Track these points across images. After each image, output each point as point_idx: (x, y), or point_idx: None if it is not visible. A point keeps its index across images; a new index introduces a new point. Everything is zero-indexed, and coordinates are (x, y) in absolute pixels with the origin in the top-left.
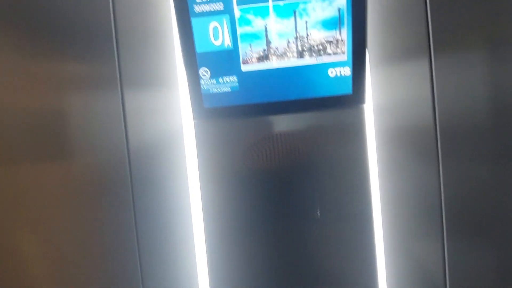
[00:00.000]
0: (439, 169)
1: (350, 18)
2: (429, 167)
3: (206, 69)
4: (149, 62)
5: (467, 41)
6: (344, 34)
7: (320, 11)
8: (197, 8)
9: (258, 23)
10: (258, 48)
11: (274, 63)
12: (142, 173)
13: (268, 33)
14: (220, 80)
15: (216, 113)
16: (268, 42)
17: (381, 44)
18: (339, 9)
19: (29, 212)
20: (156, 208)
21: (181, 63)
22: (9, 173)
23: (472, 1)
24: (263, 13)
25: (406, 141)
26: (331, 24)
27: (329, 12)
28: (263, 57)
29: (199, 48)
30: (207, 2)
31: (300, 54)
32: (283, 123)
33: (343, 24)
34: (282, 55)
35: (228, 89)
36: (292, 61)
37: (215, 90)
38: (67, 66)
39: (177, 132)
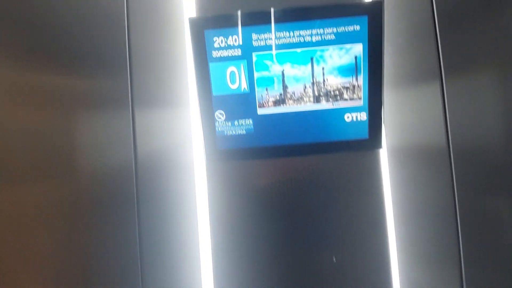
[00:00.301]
0: (453, 190)
1: (367, 66)
2: (443, 187)
3: (221, 111)
4: (161, 82)
5: (477, 65)
6: (361, 81)
7: (337, 58)
8: (215, 54)
9: (275, 68)
10: (275, 92)
11: (290, 107)
12: (148, 194)
13: (285, 78)
14: (236, 122)
15: (230, 154)
16: (285, 87)
17: (394, 67)
18: (355, 57)
19: (36, 225)
20: (162, 242)
21: (197, 104)
22: (19, 189)
23: (481, 26)
24: (281, 59)
25: (419, 161)
26: (348, 70)
27: (346, 59)
28: (280, 101)
29: (216, 91)
30: (225, 48)
31: (317, 99)
32: (297, 166)
33: (360, 71)
34: (299, 100)
35: (243, 132)
36: (308, 106)
37: (230, 133)
38: (80, 83)
39: (187, 153)
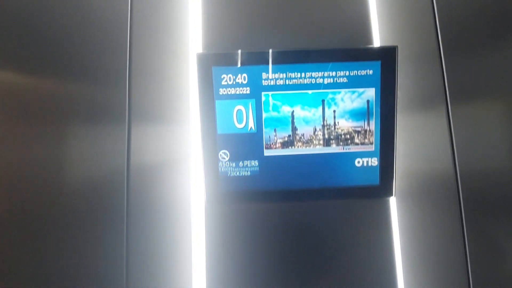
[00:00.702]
0: (461, 216)
1: (379, 110)
2: (451, 214)
3: (226, 151)
4: (161, 98)
5: (482, 90)
6: (373, 125)
7: (349, 102)
8: (223, 91)
9: (284, 109)
10: (283, 133)
11: (298, 150)
12: (139, 209)
13: (295, 120)
14: (240, 163)
15: (232, 197)
16: (294, 129)
17: (400, 93)
18: (368, 101)
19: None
20: (151, 265)
21: (199, 143)
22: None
23: (486, 54)
24: (291, 100)
25: (425, 188)
26: (360, 114)
27: (358, 103)
28: (288, 143)
29: (221, 129)
30: (233, 86)
31: (327, 142)
32: (303, 211)
33: (372, 115)
34: (308, 142)
35: (247, 173)
36: (317, 149)
37: (233, 174)
38: (78, 93)
39: (183, 170)
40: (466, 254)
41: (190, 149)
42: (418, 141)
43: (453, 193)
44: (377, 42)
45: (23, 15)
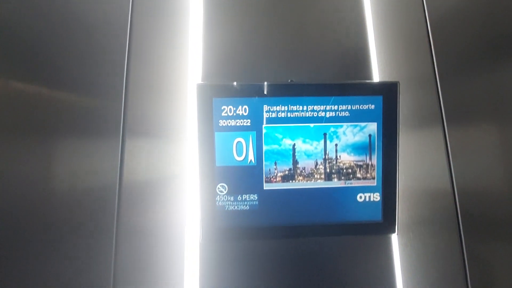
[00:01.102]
0: (460, 236)
1: (381, 145)
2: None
3: (224, 184)
4: (157, 114)
5: (477, 109)
6: (375, 160)
7: (351, 136)
8: (222, 123)
9: (286, 142)
10: (284, 167)
11: (299, 184)
12: (129, 227)
13: (296, 153)
14: (239, 197)
15: (229, 234)
16: (295, 162)
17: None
18: (370, 135)
19: None
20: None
21: (197, 175)
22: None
23: (477, 77)
24: (292, 133)
25: (424, 206)
26: (362, 149)
27: (360, 137)
28: (289, 177)
29: (219, 162)
30: (233, 118)
31: (328, 177)
32: (303, 247)
33: (374, 150)
34: (309, 176)
35: (246, 208)
36: (319, 183)
37: (231, 208)
38: (72, 105)
39: (177, 187)
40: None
41: (186, 168)
42: (415, 165)
43: (453, 221)
44: (375, 66)
45: (17, 25)
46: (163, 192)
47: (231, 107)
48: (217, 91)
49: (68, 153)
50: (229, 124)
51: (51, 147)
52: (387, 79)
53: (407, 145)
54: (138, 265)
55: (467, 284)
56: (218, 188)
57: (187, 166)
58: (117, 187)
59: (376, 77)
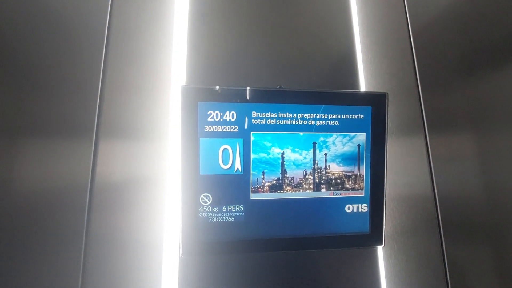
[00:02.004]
0: (440, 236)
1: (369, 156)
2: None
3: (208, 194)
4: (137, 116)
5: (457, 118)
6: (363, 170)
7: (340, 145)
8: (208, 128)
9: (274, 151)
10: (272, 176)
11: (287, 194)
12: (100, 230)
13: (285, 162)
14: (224, 208)
15: (212, 248)
16: (284, 172)
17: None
18: (359, 145)
19: None
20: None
21: (179, 184)
22: None
23: (458, 84)
24: (281, 141)
25: (407, 216)
26: (351, 159)
27: (349, 147)
28: (276, 187)
29: (204, 170)
30: (220, 124)
31: (317, 187)
32: (290, 259)
33: (363, 160)
34: (298, 186)
35: (231, 219)
36: (307, 194)
37: (215, 220)
38: (44, 104)
39: (151, 190)
40: None
41: (167, 174)
42: (398, 174)
43: (434, 230)
44: (362, 77)
45: None
46: (142, 197)
47: (217, 112)
48: (203, 94)
49: (36, 153)
50: (215, 130)
51: (17, 146)
52: (372, 89)
53: (390, 155)
54: (109, 274)
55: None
56: (202, 198)
57: (168, 171)
58: (88, 189)
59: (363, 88)
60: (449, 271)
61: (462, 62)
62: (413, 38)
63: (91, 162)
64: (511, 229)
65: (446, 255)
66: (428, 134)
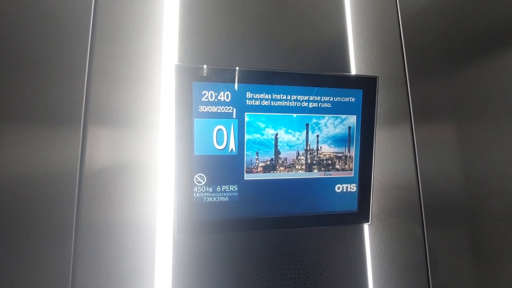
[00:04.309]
0: (422, 223)
1: (359, 137)
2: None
3: (202, 174)
4: (127, 101)
5: (443, 111)
6: (353, 152)
7: (332, 127)
8: (202, 109)
9: (268, 132)
10: (266, 157)
11: (280, 174)
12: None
13: (278, 143)
14: (218, 188)
15: (207, 227)
16: (277, 152)
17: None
18: (349, 127)
19: None
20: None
21: (173, 164)
22: None
23: (445, 77)
24: (275, 122)
25: (392, 198)
26: (341, 141)
27: (340, 129)
28: (270, 167)
29: (198, 150)
30: (215, 104)
31: (309, 167)
32: (281, 237)
33: (353, 142)
34: (290, 167)
35: (225, 199)
36: (299, 174)
37: (209, 200)
38: (29, 88)
39: (143, 175)
40: (427, 269)
41: (159, 157)
42: (384, 159)
43: (417, 212)
44: (352, 61)
45: None
46: (134, 181)
47: (212, 92)
48: (198, 74)
49: (21, 140)
50: (209, 111)
51: (1, 134)
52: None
53: (377, 140)
54: (101, 258)
55: (427, 270)
56: (196, 178)
57: (160, 154)
58: (77, 175)
59: (353, 73)
60: (428, 249)
61: (449, 52)
62: (402, 27)
63: (80, 147)
64: (487, 212)
65: (427, 235)
66: (414, 121)
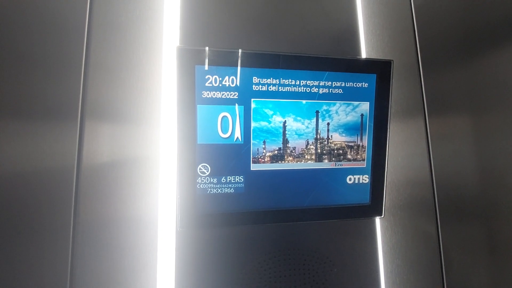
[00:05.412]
0: (436, 219)
1: (372, 126)
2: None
3: (206, 164)
4: (125, 95)
5: (459, 101)
6: (365, 141)
7: (343, 115)
8: (206, 94)
9: (276, 119)
10: (273, 146)
11: (288, 165)
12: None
13: (287, 131)
14: (223, 179)
15: (211, 220)
16: (285, 141)
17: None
18: (362, 115)
19: None
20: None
21: (175, 154)
22: None
23: (459, 65)
24: (283, 109)
25: (405, 191)
26: (353, 129)
27: (352, 116)
28: (278, 157)
29: (201, 139)
30: (219, 89)
31: (319, 157)
32: (290, 233)
33: (365, 131)
34: (299, 157)
35: (231, 191)
36: (309, 164)
37: (214, 191)
38: (25, 84)
39: (142, 170)
40: (442, 265)
41: (160, 149)
42: (396, 152)
43: (430, 207)
44: (363, 47)
45: None
46: (134, 175)
47: (216, 76)
48: (201, 57)
49: (17, 135)
50: (213, 96)
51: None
52: None
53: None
54: (101, 258)
55: (441, 267)
56: (200, 169)
57: (162, 146)
58: (75, 170)
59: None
60: (442, 246)
61: (465, 38)
62: (415, 12)
63: (77, 142)
64: (504, 208)
65: (441, 230)
66: (427, 111)
